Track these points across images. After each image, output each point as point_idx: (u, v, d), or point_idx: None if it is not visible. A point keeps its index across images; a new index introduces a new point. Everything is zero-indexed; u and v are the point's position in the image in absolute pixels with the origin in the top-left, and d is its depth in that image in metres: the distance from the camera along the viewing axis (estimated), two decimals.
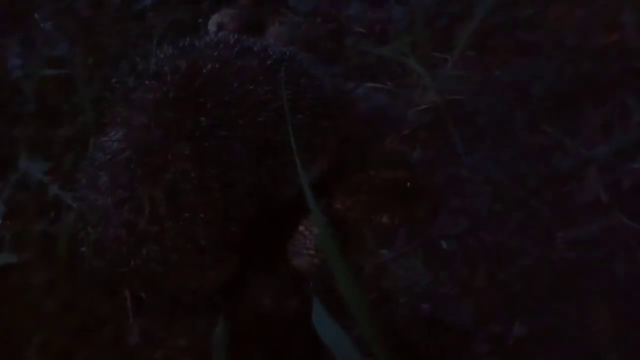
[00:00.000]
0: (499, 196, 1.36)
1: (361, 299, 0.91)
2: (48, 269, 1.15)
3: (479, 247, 1.28)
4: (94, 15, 1.78)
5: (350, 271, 1.00)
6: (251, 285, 1.18)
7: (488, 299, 1.20)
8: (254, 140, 1.07)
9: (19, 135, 1.41)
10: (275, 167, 1.10)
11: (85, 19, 1.74)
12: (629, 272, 1.20)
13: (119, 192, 1.01)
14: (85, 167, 1.09)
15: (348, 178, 1.33)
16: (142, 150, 1.01)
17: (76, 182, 1.11)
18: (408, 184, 1.30)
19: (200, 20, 1.86)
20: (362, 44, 1.65)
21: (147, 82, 1.07)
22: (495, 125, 1.51)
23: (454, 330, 1.12)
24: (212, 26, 1.80)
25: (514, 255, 1.27)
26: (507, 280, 1.23)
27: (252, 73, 1.08)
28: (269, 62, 1.12)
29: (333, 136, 1.23)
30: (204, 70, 1.05)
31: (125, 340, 1.10)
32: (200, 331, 1.09)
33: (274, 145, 1.09)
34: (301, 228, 1.23)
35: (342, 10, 1.84)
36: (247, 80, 1.06)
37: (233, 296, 1.15)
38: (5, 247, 1.21)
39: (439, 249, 1.28)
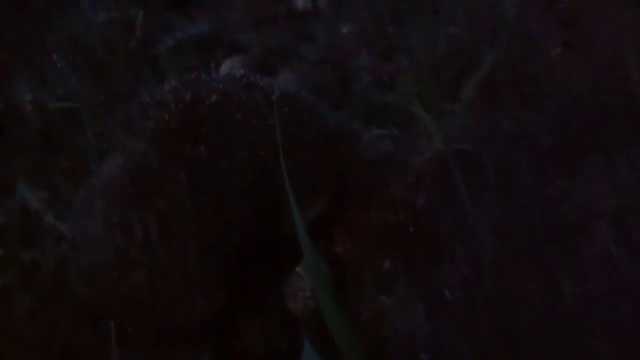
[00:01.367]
0: (504, 246, 1.32)
1: (355, 348, 0.86)
2: (32, 295, 1.11)
3: (482, 297, 1.23)
4: (109, 57, 1.82)
5: (345, 319, 0.95)
6: (241, 323, 1.13)
7: (491, 350, 1.14)
8: (253, 173, 1.05)
9: (20, 164, 1.40)
10: (274, 202, 1.08)
11: (100, 60, 1.77)
12: (637, 325, 1.14)
13: (112, 217, 0.99)
14: (81, 193, 1.08)
15: (349, 220, 1.30)
16: (137, 176, 1.00)
17: (72, 208, 1.09)
18: (411, 228, 1.26)
19: (212, 65, 1.89)
20: (369, 91, 1.65)
21: (150, 111, 1.07)
22: (501, 175, 1.48)
23: None
24: (223, 71, 1.83)
25: (520, 306, 1.21)
26: (514, 331, 1.17)
27: (256, 106, 1.08)
28: (273, 98, 1.12)
29: (334, 174, 1.21)
30: (207, 102, 1.05)
31: None
32: None
33: (273, 179, 1.07)
34: (298, 269, 1.20)
35: (351, 61, 1.86)
36: (249, 113, 1.06)
37: (220, 333, 1.10)
38: None
39: (441, 297, 1.23)
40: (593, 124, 1.57)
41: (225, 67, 1.85)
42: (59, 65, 1.74)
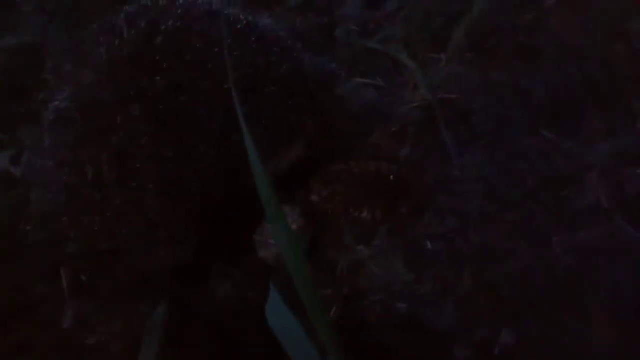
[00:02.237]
0: (491, 197, 1.26)
1: (317, 296, 0.79)
2: None
3: (466, 249, 1.17)
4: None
5: (308, 269, 0.87)
6: (208, 273, 1.06)
7: (473, 302, 1.08)
8: (219, 110, 0.96)
9: None
10: (244, 143, 0.99)
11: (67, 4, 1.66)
12: (631, 281, 1.07)
13: (61, 153, 0.91)
14: (31, 130, 0.99)
15: (327, 168, 1.22)
16: (88, 110, 0.91)
17: (22, 147, 1.01)
18: (391, 176, 1.19)
19: None
20: (353, 37, 1.56)
21: (100, 37, 0.97)
22: (490, 126, 1.41)
23: (433, 334, 0.99)
24: None
25: (505, 258, 1.15)
26: (496, 284, 1.11)
27: (219, 36, 0.98)
28: (239, 26, 1.02)
29: (312, 117, 1.12)
30: (164, 27, 0.96)
31: (60, 322, 0.98)
32: (139, 316, 0.97)
33: (246, 114, 0.99)
34: None
35: (336, 8, 1.76)
36: (212, 42, 0.96)
37: (184, 282, 1.03)
38: None
39: (422, 248, 1.17)
40: (589, 75, 1.49)
41: None
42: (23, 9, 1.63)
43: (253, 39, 1.01)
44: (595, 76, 1.47)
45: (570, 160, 1.31)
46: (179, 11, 1.00)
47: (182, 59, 0.94)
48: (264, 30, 1.05)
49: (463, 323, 1.04)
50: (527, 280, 1.11)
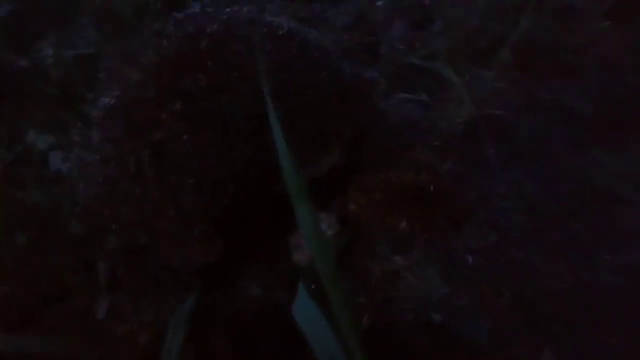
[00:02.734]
0: (534, 214, 1.22)
1: (345, 300, 0.78)
2: (28, 235, 1.07)
3: (507, 265, 1.13)
4: (135, 18, 1.79)
5: (337, 274, 0.85)
6: (238, 274, 1.06)
7: (512, 320, 1.04)
8: (257, 112, 0.98)
9: (37, 116, 1.37)
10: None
11: (124, 21, 1.74)
12: None
13: (107, 148, 0.94)
14: (80, 126, 1.03)
15: (366, 177, 1.22)
16: (133, 107, 0.94)
17: (71, 143, 1.05)
18: (432, 188, 1.17)
19: None
20: (398, 53, 1.57)
21: (151, 41, 1.01)
22: (535, 143, 1.38)
23: (467, 347, 0.96)
24: None
25: (547, 276, 1.10)
26: (537, 302, 1.06)
27: (260, 40, 1.01)
28: (280, 33, 1.04)
29: (349, 125, 1.12)
30: (210, 31, 0.99)
31: (94, 313, 0.99)
32: (168, 308, 0.98)
33: (280, 120, 1.00)
34: None
35: (383, 29, 1.78)
36: (254, 47, 0.99)
37: (214, 281, 1.04)
38: None
39: (461, 262, 1.13)
40: (636, 94, 1.44)
41: None
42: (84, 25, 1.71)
43: (293, 45, 1.02)
44: None
45: (617, 178, 1.26)
46: (224, 17, 1.03)
47: (224, 61, 0.97)
48: (305, 38, 1.06)
49: (500, 339, 0.99)
50: (569, 299, 1.06)
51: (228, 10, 1.09)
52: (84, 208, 0.97)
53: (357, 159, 1.25)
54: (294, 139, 1.03)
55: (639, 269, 1.10)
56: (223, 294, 1.02)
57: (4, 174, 1.16)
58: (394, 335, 0.96)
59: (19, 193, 1.15)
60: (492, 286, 1.09)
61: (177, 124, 0.93)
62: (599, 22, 1.73)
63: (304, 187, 0.85)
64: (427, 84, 1.54)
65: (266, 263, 1.09)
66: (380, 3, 1.94)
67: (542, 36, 1.62)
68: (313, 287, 0.91)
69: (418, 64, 1.50)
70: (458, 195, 1.24)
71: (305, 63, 1.02)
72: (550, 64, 1.57)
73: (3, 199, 1.10)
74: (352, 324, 0.79)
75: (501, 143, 1.37)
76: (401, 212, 1.17)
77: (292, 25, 1.09)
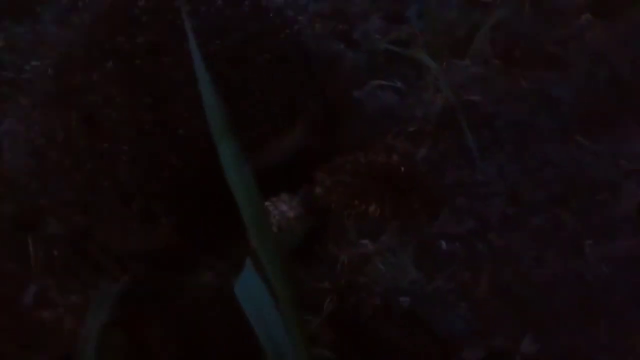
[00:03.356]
0: (514, 200, 1.13)
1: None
2: None
3: (486, 252, 1.04)
4: None
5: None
6: (191, 257, 0.95)
7: (492, 307, 0.94)
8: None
9: None
10: (235, 116, 0.88)
11: None
12: None
13: (33, 115, 0.83)
14: (7, 93, 0.93)
15: (335, 161, 1.12)
16: (61, 68, 0.84)
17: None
18: (402, 169, 1.08)
19: None
20: (373, 39, 1.49)
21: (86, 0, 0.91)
22: (517, 130, 1.30)
23: (440, 335, 0.86)
24: None
25: (530, 263, 1.01)
26: (519, 290, 0.97)
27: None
28: None
29: (315, 97, 1.03)
30: None
31: (22, 299, 0.88)
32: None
33: (231, 86, 0.90)
34: (267, 203, 1.02)
35: (359, 21, 1.71)
36: (199, 2, 0.89)
37: (164, 265, 0.93)
38: None
39: (436, 248, 1.04)
40: (624, 87, 1.38)
41: None
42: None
43: (247, 3, 0.93)
44: (629, 81, 1.36)
45: (604, 166, 1.19)
46: None
47: (164, 17, 0.87)
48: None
49: (478, 328, 0.90)
50: (553, 287, 0.97)
51: None
52: (11, 181, 0.86)
53: (328, 144, 1.16)
54: (249, 109, 0.94)
55: (626, 258, 1.01)
56: (170, 280, 0.91)
57: None
58: (359, 319, 0.85)
59: None
60: (469, 272, 0.99)
61: (110, 86, 0.83)
62: (581, 15, 1.68)
63: (250, 178, 0.72)
64: (402, 71, 1.46)
65: (222, 248, 0.98)
66: None
67: (522, 27, 1.56)
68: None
69: (392, 50, 1.43)
70: (433, 180, 1.15)
71: (259, 24, 0.93)
72: (531, 54, 1.50)
73: None
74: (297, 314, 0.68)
75: (480, 130, 1.29)
76: (370, 195, 1.07)
77: None
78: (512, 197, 1.14)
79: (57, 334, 0.84)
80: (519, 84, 1.43)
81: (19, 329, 0.85)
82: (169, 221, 0.91)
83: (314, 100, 1.04)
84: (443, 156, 1.24)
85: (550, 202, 1.13)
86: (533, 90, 1.40)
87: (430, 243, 1.05)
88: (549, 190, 1.15)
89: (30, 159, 0.85)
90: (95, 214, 0.86)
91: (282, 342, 0.65)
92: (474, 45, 1.41)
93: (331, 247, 1.03)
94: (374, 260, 0.99)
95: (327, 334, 0.77)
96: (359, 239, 1.03)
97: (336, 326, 0.83)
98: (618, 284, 0.98)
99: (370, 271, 0.98)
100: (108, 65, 0.83)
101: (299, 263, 1.02)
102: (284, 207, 1.01)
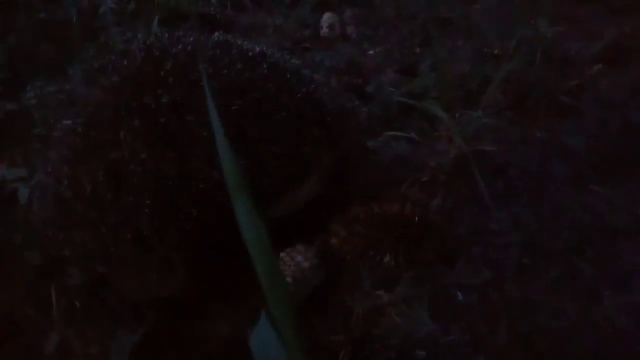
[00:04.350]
0: (531, 250, 1.13)
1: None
2: None
3: (502, 302, 1.03)
4: None
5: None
6: (206, 306, 0.97)
7: (509, 358, 0.93)
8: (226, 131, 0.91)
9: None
10: (252, 168, 0.92)
11: None
12: None
13: (62, 169, 0.88)
14: (38, 148, 0.98)
15: (349, 210, 1.14)
16: (91, 126, 0.89)
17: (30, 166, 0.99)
18: (416, 218, 1.09)
19: None
20: (387, 91, 1.53)
21: (116, 63, 0.97)
22: (531, 180, 1.31)
23: None
24: None
25: (547, 313, 1.01)
26: (537, 340, 0.96)
27: (229, 60, 0.96)
28: (250, 54, 1.00)
29: (329, 152, 1.06)
30: (174, 51, 0.95)
31: (43, 348, 0.90)
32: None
33: (251, 141, 0.94)
34: (282, 254, 1.04)
35: (374, 75, 1.76)
36: (221, 66, 0.94)
37: (179, 314, 0.94)
38: None
39: (452, 299, 1.04)
40: (637, 135, 1.39)
41: None
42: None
43: (265, 65, 0.98)
44: None
45: (620, 214, 1.18)
46: (190, 39, 1.00)
47: (187, 79, 0.92)
48: (279, 60, 1.02)
49: None
50: (570, 337, 0.96)
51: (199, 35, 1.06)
52: (39, 234, 0.90)
53: (342, 194, 1.19)
54: (266, 162, 0.97)
55: None
56: (186, 329, 0.93)
57: None
58: None
59: None
60: (486, 324, 0.99)
61: (136, 143, 0.87)
62: (591, 66, 1.71)
63: (264, 233, 0.74)
64: (415, 122, 1.50)
65: (237, 297, 1.00)
66: (371, 52, 1.94)
67: (534, 78, 1.59)
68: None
69: (406, 103, 1.46)
70: (447, 230, 1.16)
71: (277, 84, 0.97)
72: (544, 104, 1.53)
73: None
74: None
75: (494, 179, 1.30)
76: (385, 245, 1.08)
77: (265, 49, 1.05)
78: (528, 246, 1.14)
79: None
80: (532, 134, 1.45)
81: None
82: (186, 270, 0.93)
83: (329, 153, 1.07)
84: (457, 206, 1.25)
85: (567, 251, 1.12)
86: (546, 140, 1.42)
87: (446, 294, 1.04)
88: (565, 239, 1.15)
89: (58, 211, 0.88)
90: (117, 264, 0.88)
91: None
92: (487, 96, 1.44)
93: (346, 298, 1.03)
94: (389, 311, 0.99)
95: None
96: (374, 289, 1.04)
97: None
98: (637, 334, 0.96)
99: (385, 323, 0.97)
100: (135, 123, 0.88)
101: (314, 314, 1.02)
102: (299, 258, 1.03)
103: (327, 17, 2.11)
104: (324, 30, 2.08)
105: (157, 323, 0.91)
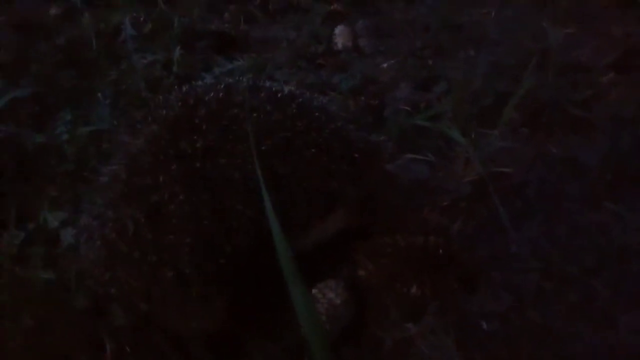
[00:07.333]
0: (549, 274, 1.19)
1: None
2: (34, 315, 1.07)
3: (524, 329, 1.09)
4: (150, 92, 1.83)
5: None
6: (245, 344, 1.04)
7: None
8: (255, 173, 0.97)
9: (50, 191, 1.40)
10: (282, 205, 0.97)
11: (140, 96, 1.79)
12: None
13: (107, 212, 0.95)
14: (86, 195, 1.05)
15: (374, 242, 1.20)
16: (133, 171, 0.96)
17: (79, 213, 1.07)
18: (440, 250, 1.15)
19: None
20: (403, 115, 1.58)
21: (155, 113, 1.04)
22: (547, 199, 1.36)
23: None
24: None
25: (567, 339, 1.06)
26: None
27: (259, 103, 1.03)
28: (279, 96, 1.07)
29: (355, 186, 1.12)
30: (207, 98, 1.02)
31: None
32: None
33: (281, 179, 1.01)
34: (314, 291, 1.10)
35: (389, 90, 1.80)
36: (252, 109, 1.01)
37: (219, 351, 1.02)
38: None
39: (476, 327, 1.10)
40: None
41: None
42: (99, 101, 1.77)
43: (293, 105, 1.04)
44: None
45: (633, 233, 1.23)
46: (221, 86, 1.06)
47: (220, 123, 0.99)
48: (306, 99, 1.08)
49: None
50: None
51: (229, 80, 1.12)
52: (87, 274, 0.98)
53: (366, 224, 1.24)
54: (295, 196, 1.04)
55: None
56: None
57: (13, 255, 1.17)
58: None
59: (27, 272, 1.15)
60: (508, 351, 1.05)
61: (174, 186, 0.94)
62: (603, 74, 1.74)
63: (297, 269, 0.84)
64: (432, 144, 1.54)
65: (273, 333, 1.07)
66: (384, 65, 1.98)
67: (547, 92, 1.63)
68: None
69: (423, 125, 1.51)
70: (468, 256, 1.21)
71: (306, 122, 1.04)
72: (558, 119, 1.57)
73: (11, 280, 1.11)
74: None
75: (512, 201, 1.35)
76: (411, 276, 1.14)
77: (293, 89, 1.11)
78: (546, 269, 1.19)
79: None
80: (547, 150, 1.49)
81: None
82: (222, 303, 1.01)
83: (356, 187, 1.13)
84: (477, 229, 1.30)
85: (583, 273, 1.18)
86: (560, 156, 1.46)
87: (470, 322, 1.10)
88: (581, 261, 1.20)
89: (103, 252, 0.96)
90: (158, 300, 0.96)
91: None
92: (504, 117, 1.48)
93: (375, 329, 1.10)
94: (418, 342, 1.06)
95: None
96: (402, 320, 1.10)
97: None
98: None
99: (414, 354, 1.04)
100: (172, 167, 0.95)
101: (346, 346, 1.09)
102: (330, 295, 1.09)
103: (339, 31, 2.14)
104: (337, 46, 2.12)
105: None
